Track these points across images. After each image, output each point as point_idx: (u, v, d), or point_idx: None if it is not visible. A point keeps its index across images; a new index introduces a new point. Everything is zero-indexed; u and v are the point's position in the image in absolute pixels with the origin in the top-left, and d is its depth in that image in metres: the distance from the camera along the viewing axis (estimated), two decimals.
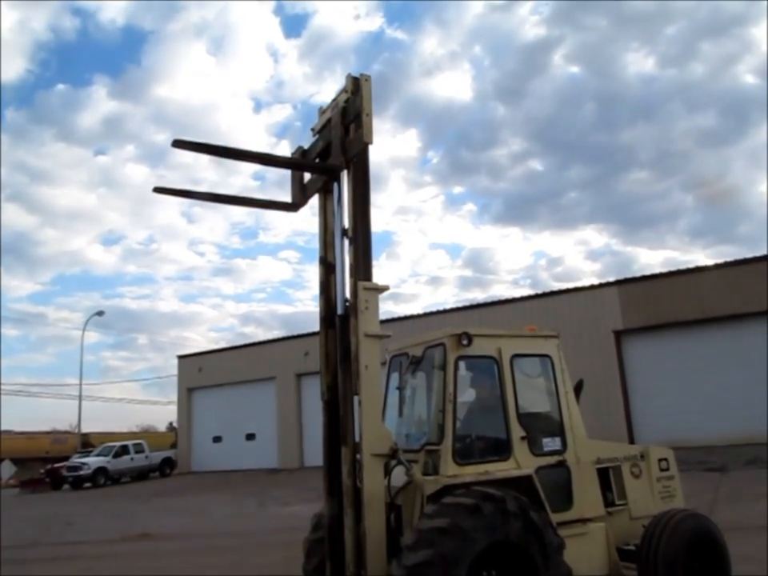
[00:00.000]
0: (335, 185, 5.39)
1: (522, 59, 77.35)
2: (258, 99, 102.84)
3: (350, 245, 5.10)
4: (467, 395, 5.52)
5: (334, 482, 4.99)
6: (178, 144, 4.55)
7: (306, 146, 5.88)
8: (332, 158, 5.36)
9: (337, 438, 4.98)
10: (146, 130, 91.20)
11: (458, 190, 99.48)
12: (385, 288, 5.01)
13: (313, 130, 5.90)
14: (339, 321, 5.13)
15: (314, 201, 5.75)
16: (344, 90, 5.33)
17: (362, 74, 5.18)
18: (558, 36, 73.13)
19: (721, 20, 64.19)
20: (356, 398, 4.81)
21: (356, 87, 5.18)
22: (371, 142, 4.98)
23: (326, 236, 5.47)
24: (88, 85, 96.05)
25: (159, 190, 5.09)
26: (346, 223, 5.22)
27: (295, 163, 5.85)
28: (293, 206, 5.82)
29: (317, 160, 5.71)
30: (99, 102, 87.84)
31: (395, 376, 5.96)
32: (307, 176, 5.87)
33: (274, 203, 5.89)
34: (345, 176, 5.31)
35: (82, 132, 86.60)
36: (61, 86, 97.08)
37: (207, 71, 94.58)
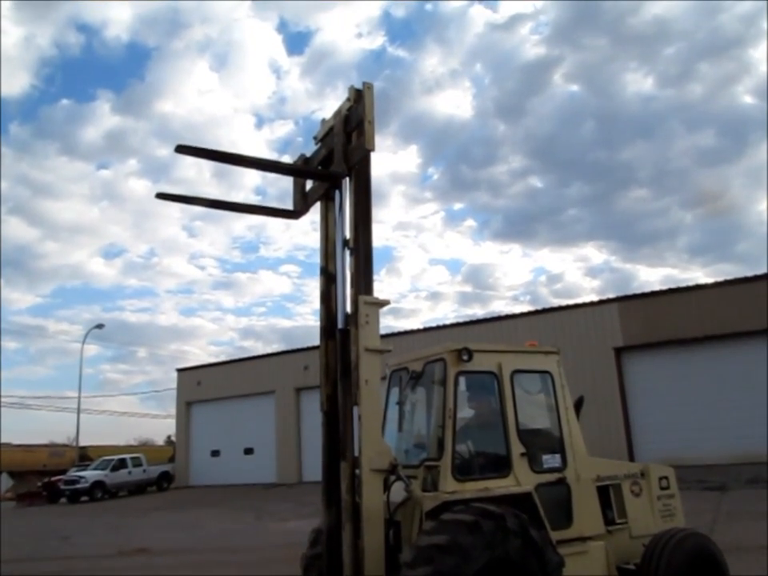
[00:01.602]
0: (337, 192, 5.41)
1: (523, 78, 77.88)
2: (260, 115, 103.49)
3: (351, 255, 5.10)
4: (467, 411, 5.50)
5: (333, 496, 4.96)
6: (182, 149, 4.58)
7: (308, 154, 5.91)
8: (334, 166, 5.38)
9: (336, 450, 4.96)
10: (148, 145, 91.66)
11: (458, 206, 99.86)
12: (385, 302, 5.01)
13: (315, 138, 5.92)
14: (340, 335, 5.12)
15: (315, 211, 5.77)
16: (347, 99, 5.36)
17: (364, 83, 5.19)
18: (557, 55, 73.76)
19: (719, 41, 64.75)
20: (355, 410, 4.79)
21: (358, 96, 5.21)
22: (373, 149, 5.00)
23: (327, 246, 5.48)
24: (92, 100, 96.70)
25: (162, 195, 5.12)
26: (348, 233, 5.23)
27: (297, 170, 5.87)
28: (294, 214, 5.84)
29: (319, 168, 5.73)
30: (102, 117, 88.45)
31: (395, 391, 5.94)
32: (309, 184, 5.89)
33: (276, 210, 5.91)
34: (346, 183, 5.33)
35: (85, 146, 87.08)
36: (65, 101, 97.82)
37: (210, 87, 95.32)
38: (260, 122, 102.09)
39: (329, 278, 5.39)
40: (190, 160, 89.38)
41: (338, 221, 5.37)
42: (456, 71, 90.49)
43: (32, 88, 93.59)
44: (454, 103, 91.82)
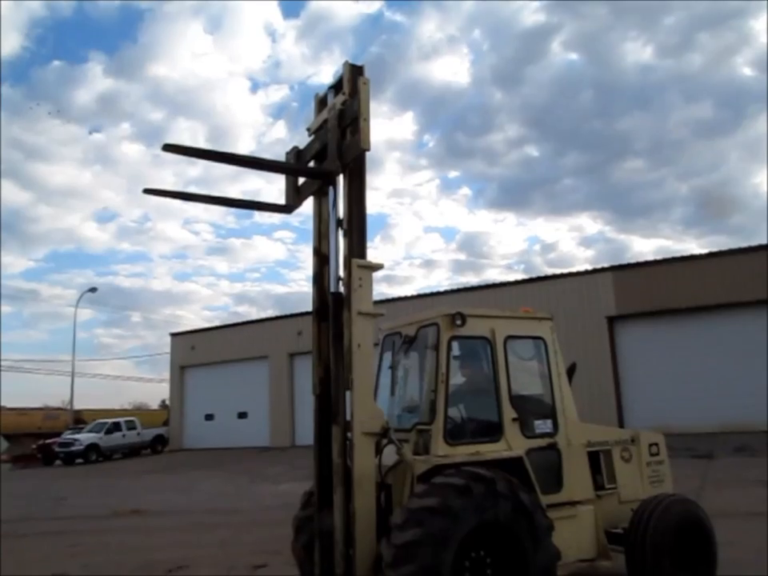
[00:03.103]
0: (330, 188, 5.30)
1: (521, 45, 76.90)
2: (254, 79, 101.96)
3: (345, 236, 5.03)
4: (460, 376, 5.50)
5: (325, 460, 4.98)
6: (169, 148, 4.45)
7: (301, 146, 5.77)
8: (327, 162, 5.26)
9: (328, 425, 4.95)
10: (141, 109, 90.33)
11: (453, 174, 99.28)
12: (379, 266, 4.96)
13: (308, 129, 5.78)
14: (332, 299, 5.09)
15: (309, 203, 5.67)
16: (341, 87, 5.21)
17: (359, 70, 5.08)
18: (556, 23, 72.75)
19: (720, 11, 63.95)
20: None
21: (354, 89, 5.05)
22: (369, 149, 4.87)
23: (321, 226, 5.41)
24: (84, 62, 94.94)
25: (150, 191, 4.94)
26: (341, 240, 5.13)
27: (289, 168, 5.73)
28: (286, 208, 5.73)
29: (312, 161, 5.62)
30: (95, 80, 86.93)
31: (388, 355, 5.94)
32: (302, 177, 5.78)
33: (268, 205, 5.80)
34: (340, 179, 5.21)
35: (78, 109, 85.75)
36: (56, 63, 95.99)
37: (204, 50, 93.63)
38: (255, 87, 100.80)
39: (322, 259, 5.32)
40: (184, 124, 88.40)
41: (331, 214, 5.27)
42: (454, 37, 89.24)
43: (23, 50, 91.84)
44: (451, 70, 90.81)
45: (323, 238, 5.35)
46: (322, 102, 5.70)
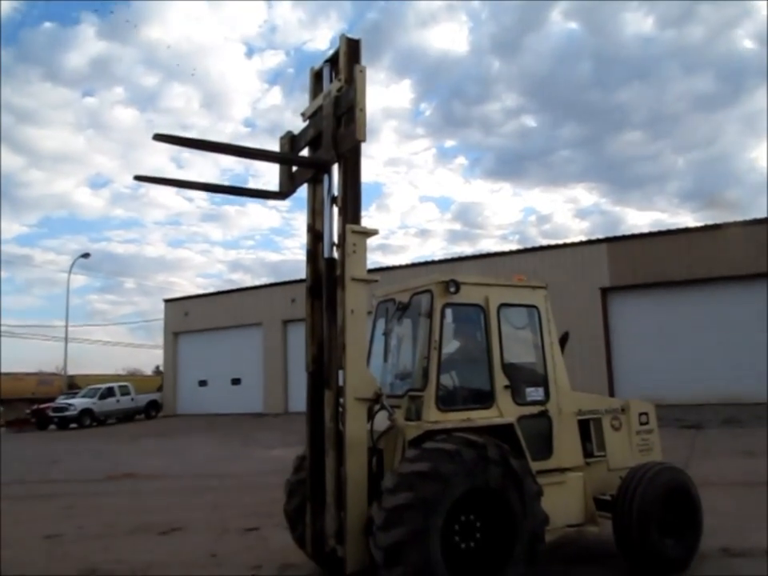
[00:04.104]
0: (326, 176, 5.24)
1: (520, 13, 75.69)
2: (250, 44, 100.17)
3: (339, 214, 4.99)
4: (453, 343, 5.51)
5: (317, 425, 5.00)
6: (159, 138, 4.36)
7: (296, 128, 5.73)
8: (322, 150, 5.21)
9: (320, 397, 4.96)
10: (134, 73, 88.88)
11: (449, 143, 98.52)
12: (374, 232, 4.94)
13: (303, 114, 5.69)
14: (326, 264, 5.06)
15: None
16: (337, 61, 5.13)
17: (356, 44, 5.02)
18: None
19: None
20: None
21: (350, 76, 4.96)
22: (364, 140, 4.80)
23: (315, 204, 5.36)
24: (75, 24, 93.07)
25: (139, 178, 4.84)
26: (335, 217, 5.11)
27: (284, 158, 5.65)
28: (281, 195, 5.67)
29: (307, 148, 5.56)
30: (87, 42, 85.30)
31: (381, 322, 5.94)
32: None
33: (263, 192, 5.75)
34: (335, 167, 5.15)
35: (70, 72, 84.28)
36: (48, 24, 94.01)
37: (199, 14, 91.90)
38: (250, 52, 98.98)
39: (315, 237, 5.28)
40: (178, 89, 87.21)
41: (326, 201, 5.22)
42: (452, 4, 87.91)
43: (14, 11, 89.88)
44: (449, 38, 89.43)
45: (317, 216, 5.31)
46: (317, 76, 5.63)
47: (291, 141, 5.68)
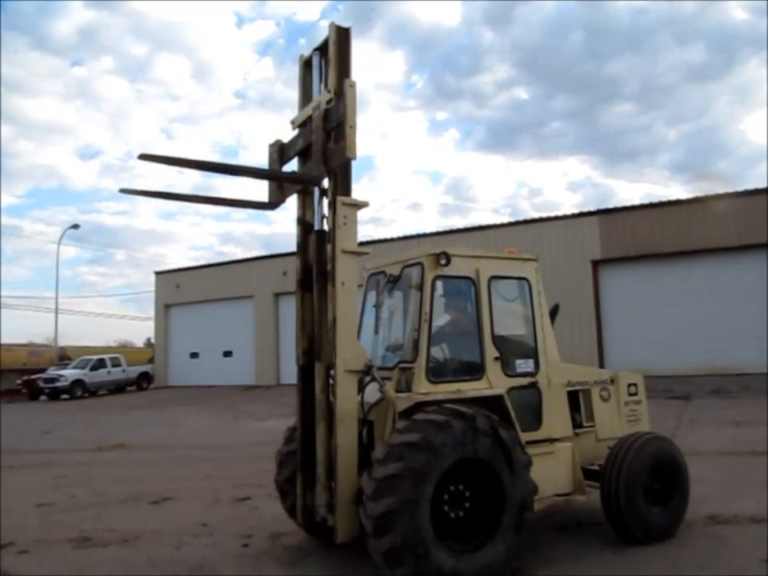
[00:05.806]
0: (315, 189, 5.18)
1: None
2: (240, 14, 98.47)
3: (330, 208, 4.94)
4: (443, 315, 5.51)
5: (308, 396, 5.02)
6: (145, 157, 4.26)
7: (286, 134, 5.65)
8: (312, 165, 5.14)
9: (311, 356, 4.95)
10: (123, 43, 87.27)
11: (441, 115, 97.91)
12: (364, 204, 4.90)
13: (293, 123, 5.60)
14: (316, 236, 5.03)
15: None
16: (326, 50, 5.04)
17: (346, 33, 4.98)
18: None
19: None
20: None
21: (339, 89, 4.90)
22: (354, 158, 4.76)
23: (305, 198, 5.30)
24: None
25: (125, 191, 4.63)
26: (327, 215, 5.04)
27: (273, 176, 5.54)
28: (270, 206, 5.56)
29: (296, 158, 5.48)
30: (75, 11, 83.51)
31: (372, 294, 5.93)
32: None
33: (253, 203, 5.63)
34: (326, 181, 5.10)
35: (58, 41, 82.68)
36: None
37: None
38: (240, 22, 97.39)
39: (306, 228, 5.22)
40: (168, 60, 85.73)
41: (316, 213, 5.15)
42: None
43: None
44: (441, 9, 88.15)
45: (307, 208, 5.25)
46: (306, 64, 5.56)
47: (280, 150, 5.61)
